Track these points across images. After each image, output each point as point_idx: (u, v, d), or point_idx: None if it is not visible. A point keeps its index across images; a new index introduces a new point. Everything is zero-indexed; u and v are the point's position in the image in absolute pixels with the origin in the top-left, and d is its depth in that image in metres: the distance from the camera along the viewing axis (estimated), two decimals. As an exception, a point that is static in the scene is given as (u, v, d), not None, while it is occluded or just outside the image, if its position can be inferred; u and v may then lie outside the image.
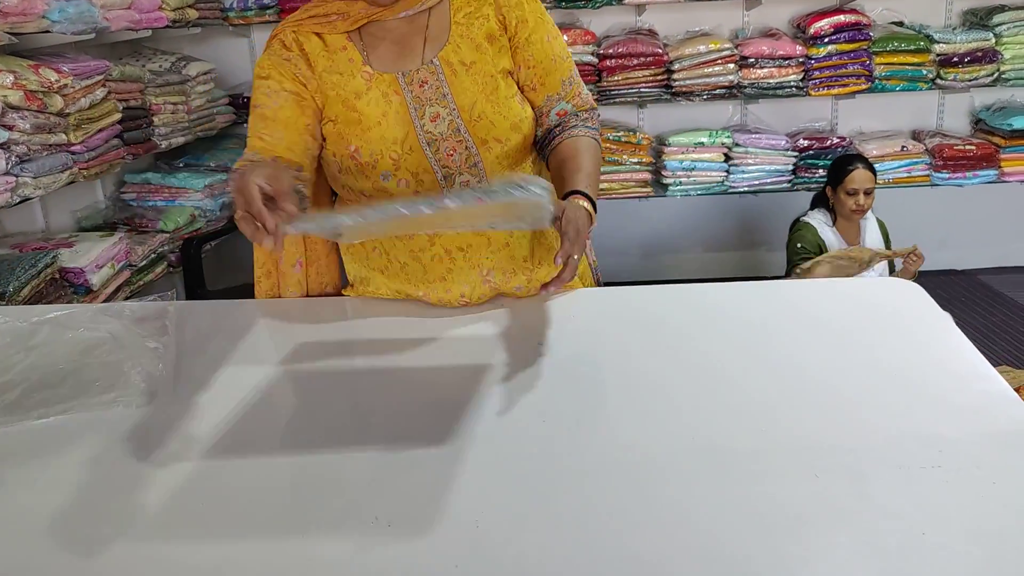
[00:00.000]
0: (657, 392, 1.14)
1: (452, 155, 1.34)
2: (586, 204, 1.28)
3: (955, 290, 4.08)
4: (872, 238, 3.17)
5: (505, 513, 0.91)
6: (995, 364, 1.24)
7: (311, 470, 1.01)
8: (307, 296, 1.52)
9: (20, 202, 2.34)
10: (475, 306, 1.41)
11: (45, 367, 1.27)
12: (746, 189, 3.91)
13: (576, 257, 1.19)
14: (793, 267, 3.10)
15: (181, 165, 3.54)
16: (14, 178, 2.28)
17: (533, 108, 1.42)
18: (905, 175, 3.87)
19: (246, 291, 1.58)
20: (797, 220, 3.24)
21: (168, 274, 3.11)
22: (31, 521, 0.93)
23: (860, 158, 3.16)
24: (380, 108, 1.34)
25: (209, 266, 3.25)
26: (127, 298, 2.65)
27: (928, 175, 3.88)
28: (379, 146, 1.33)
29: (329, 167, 1.41)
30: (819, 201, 3.23)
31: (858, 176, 3.05)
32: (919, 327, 1.31)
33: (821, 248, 3.10)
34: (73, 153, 2.54)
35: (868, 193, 3.07)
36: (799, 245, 3.11)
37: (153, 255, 2.96)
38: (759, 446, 1.01)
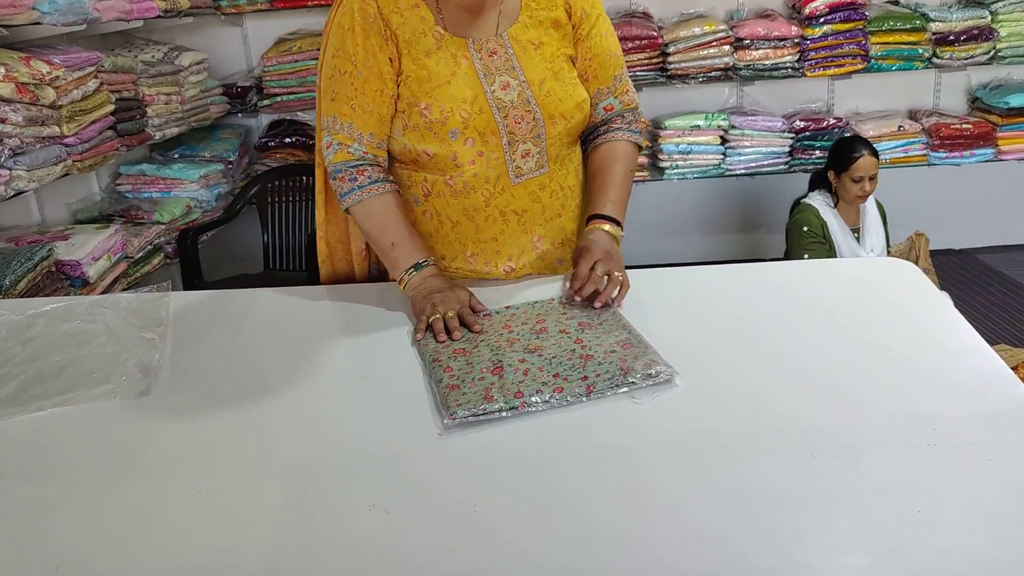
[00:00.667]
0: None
1: (520, 123, 1.39)
2: (608, 228, 1.38)
3: (953, 269, 4.08)
4: (872, 222, 3.16)
5: (502, 498, 0.91)
6: (993, 343, 1.24)
7: (308, 458, 1.01)
8: (367, 279, 1.59)
9: (14, 195, 2.33)
10: (504, 282, 1.45)
11: (42, 360, 1.27)
12: (743, 171, 3.90)
13: (615, 274, 1.29)
14: (797, 253, 3.08)
15: (176, 156, 3.53)
16: (8, 171, 2.27)
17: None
18: (902, 155, 3.86)
19: (243, 282, 1.58)
20: (798, 202, 3.22)
21: (165, 265, 3.10)
22: (30, 512, 0.94)
23: (865, 143, 3.10)
24: (449, 67, 1.38)
25: (206, 257, 3.25)
26: (124, 290, 2.64)
27: (925, 155, 3.87)
28: (449, 103, 1.37)
29: (392, 127, 1.43)
30: (819, 182, 3.20)
31: (864, 163, 3.02)
32: (915, 307, 1.31)
33: (824, 230, 3.08)
34: (67, 145, 2.53)
35: (872, 179, 3.05)
36: (805, 228, 3.08)
37: (149, 247, 2.96)
38: (754, 427, 1.02)
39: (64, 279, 2.46)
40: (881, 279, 1.42)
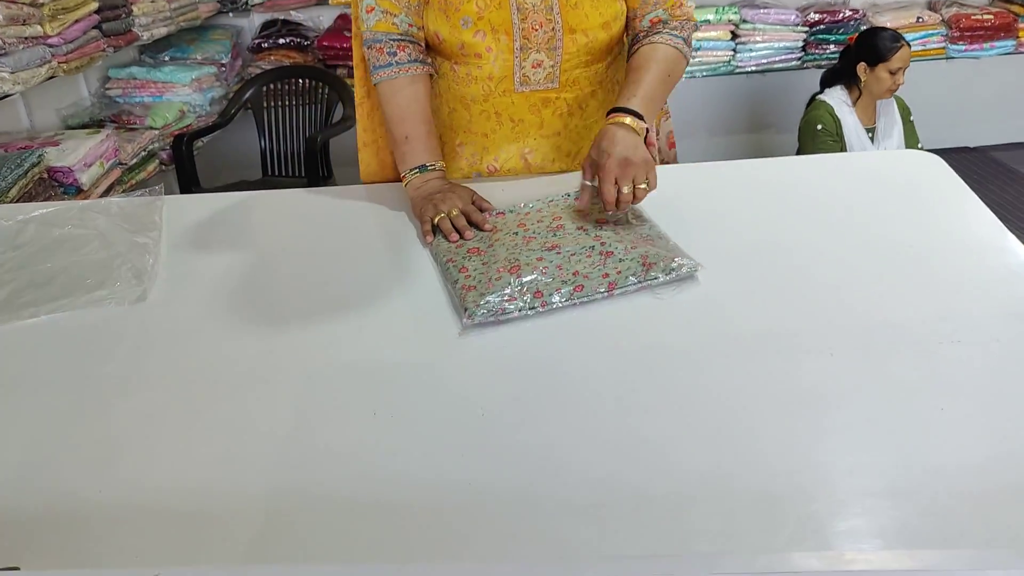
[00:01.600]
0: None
1: (537, 31, 1.31)
2: (628, 120, 1.21)
3: (967, 167, 3.99)
4: (889, 120, 3.05)
5: (511, 402, 0.89)
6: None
7: (310, 365, 0.98)
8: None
9: (0, 99, 2.25)
10: (501, 178, 1.39)
11: (33, 266, 1.23)
12: (754, 68, 3.77)
13: (639, 187, 1.16)
14: (810, 151, 2.99)
15: (166, 59, 3.41)
16: (-9, 74, 2.19)
17: (629, 9, 1.35)
18: (920, 48, 3.72)
19: (242, 189, 1.53)
20: (813, 98, 3.10)
21: (160, 172, 3.04)
22: (26, 419, 0.91)
23: (899, 34, 2.98)
24: None
25: (202, 164, 3.18)
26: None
27: (944, 47, 3.73)
28: None
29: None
30: (835, 78, 3.08)
31: (904, 54, 2.90)
32: (939, 200, 1.26)
33: (838, 129, 2.98)
34: (51, 46, 2.43)
35: (904, 71, 2.95)
36: (819, 126, 2.98)
37: (143, 153, 2.88)
38: (772, 325, 0.98)
39: (57, 186, 2.40)
40: (904, 172, 1.36)
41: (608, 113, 1.25)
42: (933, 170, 1.35)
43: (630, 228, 1.16)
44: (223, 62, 3.51)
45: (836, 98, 3.02)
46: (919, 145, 3.13)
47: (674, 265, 1.05)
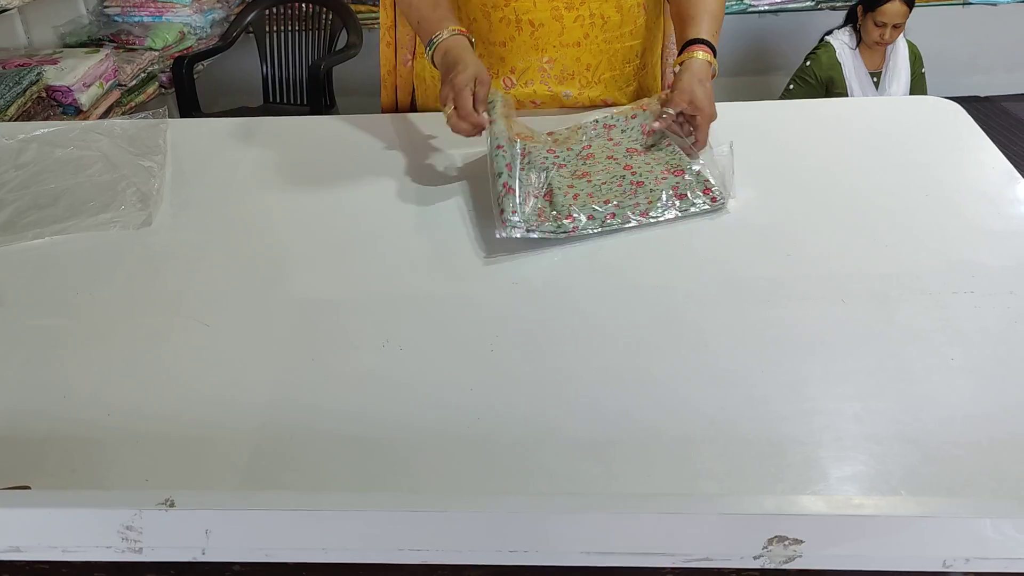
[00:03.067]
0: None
1: None
2: (701, 54, 1.22)
3: (977, 117, 3.92)
4: (898, 66, 2.99)
5: (520, 337, 0.88)
6: None
7: (318, 293, 0.97)
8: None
9: (-3, 14, 2.20)
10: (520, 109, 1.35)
11: (36, 186, 1.21)
12: (767, 8, 3.67)
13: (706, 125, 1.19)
14: (790, 82, 2.95)
15: (166, -23, 3.31)
16: (-13, -13, 2.13)
17: None
18: (939, -8, 3.63)
19: (243, 115, 1.50)
20: (824, 37, 3.04)
21: (160, 95, 2.98)
22: (32, 340, 0.91)
23: None
24: None
25: (203, 88, 3.12)
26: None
27: (962, -8, 3.64)
28: None
29: None
30: (850, 17, 3.02)
31: (891, 9, 2.82)
32: (956, 148, 1.24)
33: (832, 77, 2.93)
34: (48, -40, 2.36)
35: (897, 27, 2.86)
36: (808, 63, 2.94)
37: (143, 74, 2.83)
38: (784, 270, 0.98)
39: (56, 106, 2.36)
40: (922, 119, 1.34)
41: (686, 44, 1.24)
42: (951, 117, 1.33)
43: (659, 158, 1.16)
44: (224, -18, 3.42)
45: (840, 40, 2.97)
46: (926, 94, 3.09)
47: (705, 198, 1.07)
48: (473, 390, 0.82)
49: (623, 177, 1.12)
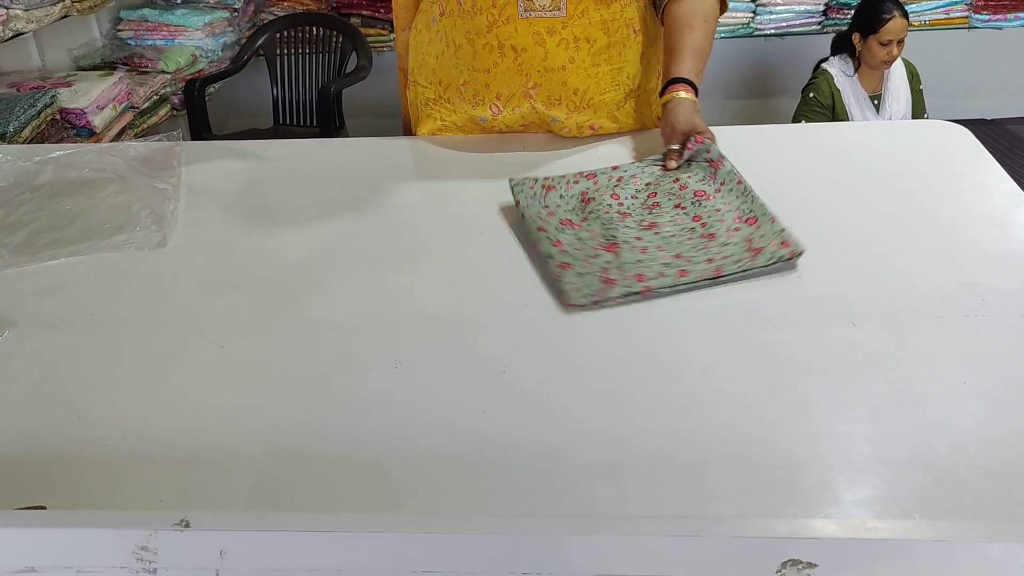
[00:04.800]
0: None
1: None
2: (683, 94, 1.26)
3: (983, 140, 3.92)
4: (896, 86, 3.00)
5: (533, 359, 0.89)
6: None
7: (331, 315, 0.98)
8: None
9: (12, 37, 2.23)
10: (508, 132, 1.37)
11: (52, 207, 1.23)
12: (773, 31, 3.71)
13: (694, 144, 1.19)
14: (798, 116, 2.97)
15: (179, 2, 3.36)
16: (4, 10, 2.16)
17: None
18: (943, 16, 3.65)
19: (254, 136, 1.52)
20: (819, 65, 3.06)
21: (172, 117, 3.01)
22: (50, 361, 0.92)
23: (895, 2, 2.91)
24: None
25: (214, 110, 3.15)
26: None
27: (967, 16, 3.66)
28: None
29: None
30: (841, 46, 3.03)
31: (894, 26, 2.82)
32: (965, 172, 1.25)
33: (835, 101, 2.94)
34: (64, -16, 2.40)
35: (901, 42, 2.88)
36: (811, 95, 2.95)
37: (155, 97, 2.86)
38: (794, 294, 0.98)
39: (69, 128, 2.39)
40: (930, 142, 1.34)
41: (669, 83, 1.27)
42: (958, 140, 1.33)
43: (731, 203, 1.11)
44: (236, 7, 3.46)
45: (837, 67, 2.97)
46: (925, 115, 3.09)
47: (782, 253, 1.00)
48: (486, 412, 0.82)
49: (693, 229, 1.07)
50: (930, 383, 0.83)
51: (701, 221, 1.09)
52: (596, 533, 0.67)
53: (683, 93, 1.25)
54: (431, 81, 1.41)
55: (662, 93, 1.28)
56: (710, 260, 1.01)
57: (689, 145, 1.20)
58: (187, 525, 0.66)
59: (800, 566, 0.65)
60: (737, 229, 1.06)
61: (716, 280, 0.99)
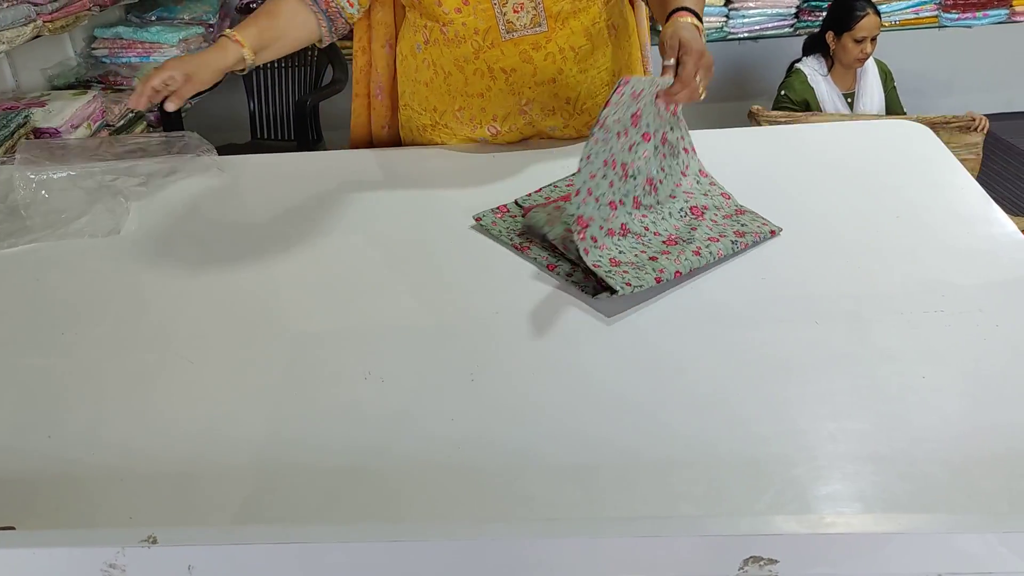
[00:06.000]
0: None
1: (519, 12, 1.29)
2: (692, 20, 1.21)
3: (956, 137, 3.99)
4: (870, 84, 3.05)
5: (501, 366, 0.90)
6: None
7: (301, 327, 0.99)
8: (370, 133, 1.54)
9: (-16, 58, 2.22)
10: (504, 145, 1.38)
11: (8, 200, 1.25)
12: (746, 35, 3.74)
13: (699, 77, 1.13)
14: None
15: (153, 19, 3.35)
16: (-26, 32, 2.16)
17: None
18: (913, 16, 3.70)
19: (231, 152, 1.52)
20: (792, 65, 3.11)
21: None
22: (18, 380, 0.92)
23: (867, 1, 2.96)
24: None
25: (191, 126, 3.14)
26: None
27: (936, 15, 3.71)
28: None
29: None
30: (814, 46, 3.07)
31: (868, 23, 2.87)
32: (926, 170, 1.27)
33: (808, 100, 2.98)
34: (35, 4, 2.39)
35: (874, 40, 2.92)
36: (783, 92, 2.99)
37: (131, 114, 2.85)
38: (757, 293, 0.99)
39: (44, 148, 2.37)
40: (891, 141, 1.36)
41: (670, 13, 1.22)
42: (920, 140, 1.35)
43: (717, 210, 1.16)
44: (211, 22, 3.46)
45: (811, 67, 3.02)
46: (903, 112, 3.14)
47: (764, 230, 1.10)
48: (455, 420, 0.83)
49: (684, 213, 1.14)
50: (891, 379, 0.85)
51: (696, 211, 1.15)
52: (563, 536, 0.68)
53: (687, 18, 1.20)
54: (425, 108, 1.43)
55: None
56: (709, 234, 1.08)
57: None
58: (154, 541, 0.67)
59: (762, 563, 0.66)
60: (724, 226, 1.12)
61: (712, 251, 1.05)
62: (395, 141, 1.53)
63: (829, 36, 2.97)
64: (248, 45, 1.25)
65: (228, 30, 1.25)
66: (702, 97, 1.15)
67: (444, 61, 1.36)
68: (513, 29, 1.31)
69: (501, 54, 1.32)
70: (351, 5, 1.34)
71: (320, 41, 1.36)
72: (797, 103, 2.98)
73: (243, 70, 1.27)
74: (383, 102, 1.51)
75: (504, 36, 1.31)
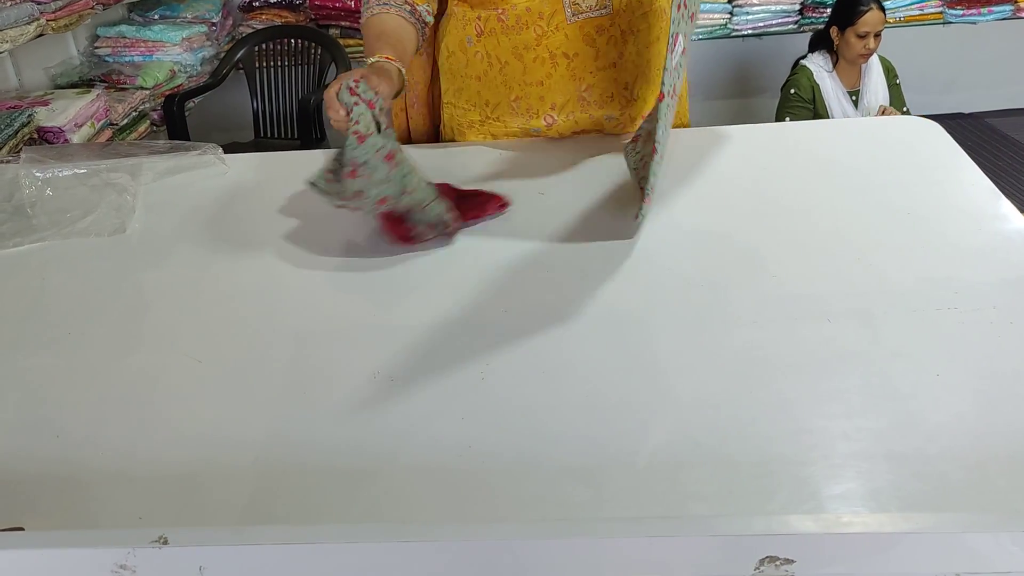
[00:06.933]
0: (664, 239, 1.10)
1: None
2: None
3: (961, 133, 3.94)
4: (874, 81, 3.04)
5: (511, 366, 0.89)
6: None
7: (308, 326, 0.98)
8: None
9: (-12, 57, 2.22)
10: (541, 139, 1.38)
11: (15, 199, 1.24)
12: (750, 32, 3.73)
13: None
14: (781, 114, 3.00)
15: (156, 17, 3.35)
16: (-22, 31, 2.16)
17: None
18: (917, 12, 3.69)
19: (235, 150, 1.51)
20: (797, 62, 3.10)
21: (152, 133, 3.00)
22: (24, 380, 0.92)
23: None
24: None
25: (194, 125, 3.14)
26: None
27: (941, 12, 3.70)
28: None
29: None
30: (819, 42, 3.07)
31: (871, 18, 2.87)
32: (936, 166, 1.26)
33: (815, 95, 2.98)
34: (39, 3, 2.39)
35: (878, 35, 2.92)
36: (792, 91, 2.99)
37: (134, 113, 2.85)
38: (769, 291, 0.99)
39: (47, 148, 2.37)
40: (902, 138, 1.36)
41: None
42: (931, 136, 1.35)
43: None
44: (214, 21, 3.46)
45: (816, 63, 3.02)
46: (904, 108, 3.13)
47: None
48: (464, 419, 0.82)
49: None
50: (904, 376, 0.84)
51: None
52: (574, 536, 0.67)
53: None
54: (475, 103, 1.41)
55: None
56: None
57: None
58: (165, 542, 0.66)
59: (778, 562, 0.66)
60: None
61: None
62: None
63: (833, 31, 2.98)
64: (396, 59, 1.20)
65: (372, 58, 1.19)
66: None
67: (501, 51, 1.33)
68: (579, 11, 1.28)
69: (565, 38, 1.30)
70: (428, 14, 1.33)
71: (416, 50, 1.34)
72: (807, 100, 2.97)
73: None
74: (419, 111, 1.50)
75: (569, 19, 1.29)
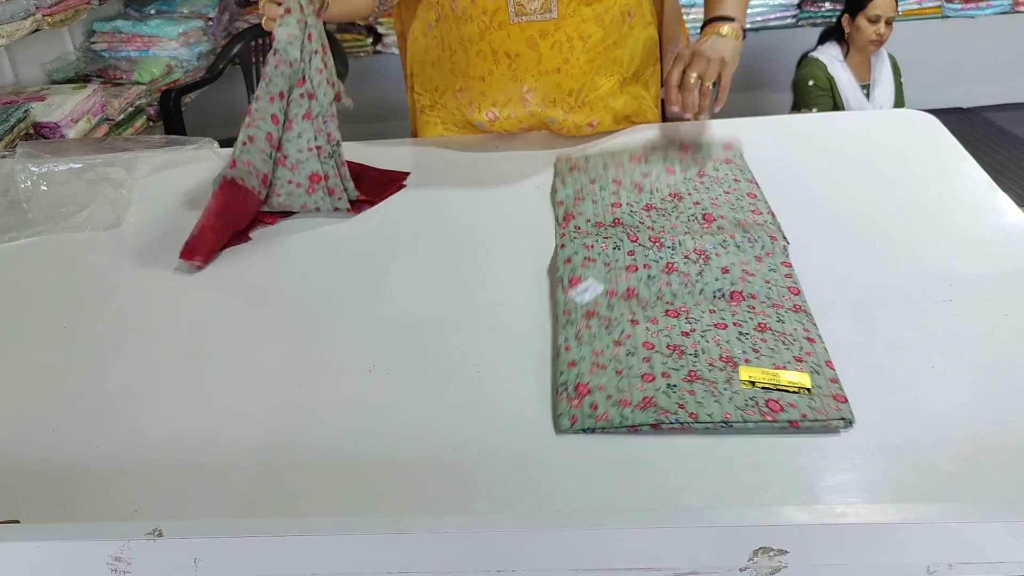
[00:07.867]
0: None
1: None
2: (725, 30, 1.24)
3: (960, 128, 3.93)
4: (883, 75, 3.04)
5: (506, 358, 0.89)
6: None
7: (305, 320, 0.98)
8: None
9: (-17, 52, 2.21)
10: (502, 133, 1.38)
11: (10, 194, 1.24)
12: (748, 26, 3.70)
13: (705, 84, 1.18)
14: (803, 107, 2.99)
15: (152, 12, 3.34)
16: (-27, 26, 2.15)
17: None
18: (916, 6, 3.68)
19: (232, 144, 1.51)
20: (805, 56, 3.09)
21: (148, 128, 2.99)
22: (21, 374, 0.92)
23: None
24: None
25: (191, 120, 3.13)
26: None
27: (939, 6, 3.69)
28: None
29: None
30: (830, 36, 3.07)
31: (882, 2, 2.88)
32: (934, 160, 1.26)
33: (832, 85, 2.97)
34: (34, -2, 2.38)
35: (889, 23, 2.92)
36: (811, 83, 2.97)
37: (131, 108, 2.84)
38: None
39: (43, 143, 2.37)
40: (899, 132, 1.36)
41: (704, 24, 1.24)
42: (928, 130, 1.35)
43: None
44: (210, 16, 3.45)
45: (828, 55, 3.01)
46: (903, 106, 3.13)
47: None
48: (460, 412, 0.82)
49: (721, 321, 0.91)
50: (899, 368, 0.84)
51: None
52: (568, 528, 0.67)
53: (725, 28, 1.25)
54: (427, 88, 1.42)
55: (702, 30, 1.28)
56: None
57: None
58: (160, 534, 0.66)
59: (772, 553, 0.66)
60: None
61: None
62: None
63: (845, 20, 2.98)
64: None
65: None
66: (716, 109, 1.15)
67: (451, 39, 1.33)
68: (523, 12, 1.27)
69: (507, 37, 1.28)
70: None
71: (369, 16, 1.35)
72: (825, 90, 2.97)
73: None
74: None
75: (512, 19, 1.27)
